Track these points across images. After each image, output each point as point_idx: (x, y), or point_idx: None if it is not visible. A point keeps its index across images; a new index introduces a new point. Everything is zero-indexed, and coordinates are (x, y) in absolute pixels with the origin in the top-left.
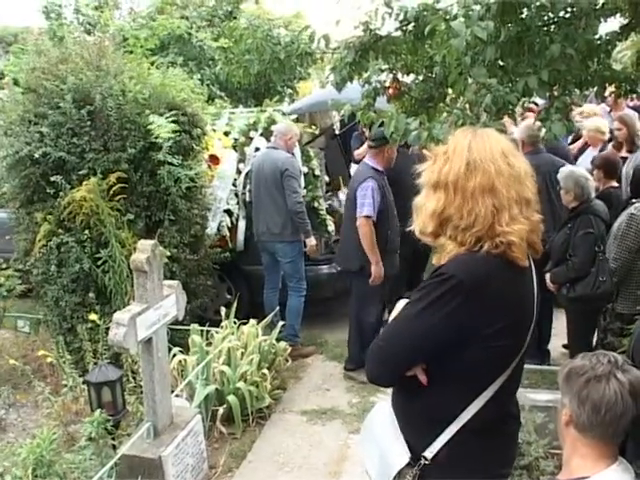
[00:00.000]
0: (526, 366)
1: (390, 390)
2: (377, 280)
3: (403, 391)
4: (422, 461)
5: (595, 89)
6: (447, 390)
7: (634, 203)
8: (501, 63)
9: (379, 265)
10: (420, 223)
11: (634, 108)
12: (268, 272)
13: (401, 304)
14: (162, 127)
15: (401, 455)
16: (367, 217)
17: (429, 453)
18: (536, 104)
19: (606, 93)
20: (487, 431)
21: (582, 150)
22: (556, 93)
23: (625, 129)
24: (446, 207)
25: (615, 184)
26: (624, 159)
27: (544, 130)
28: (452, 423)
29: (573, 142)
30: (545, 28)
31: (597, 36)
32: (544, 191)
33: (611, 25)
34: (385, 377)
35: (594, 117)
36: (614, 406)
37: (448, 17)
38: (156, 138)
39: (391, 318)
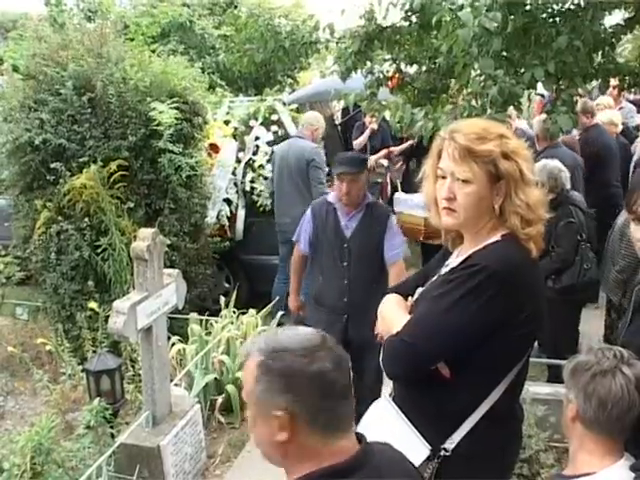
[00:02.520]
0: (533, 360)
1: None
2: (292, 311)
3: (420, 385)
4: (442, 453)
5: (599, 82)
6: (469, 381)
7: None
8: (507, 54)
9: (292, 296)
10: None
11: (633, 102)
12: (284, 264)
13: (391, 297)
14: (164, 113)
15: (419, 450)
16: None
17: (449, 444)
18: (542, 96)
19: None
20: (503, 419)
21: None
22: (562, 86)
23: None
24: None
25: None
26: None
27: (550, 123)
28: (473, 413)
29: None
30: (551, 20)
31: (602, 29)
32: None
33: (615, 18)
34: (413, 375)
35: (607, 110)
36: (621, 401)
37: (453, 7)
38: (158, 125)
39: (385, 311)
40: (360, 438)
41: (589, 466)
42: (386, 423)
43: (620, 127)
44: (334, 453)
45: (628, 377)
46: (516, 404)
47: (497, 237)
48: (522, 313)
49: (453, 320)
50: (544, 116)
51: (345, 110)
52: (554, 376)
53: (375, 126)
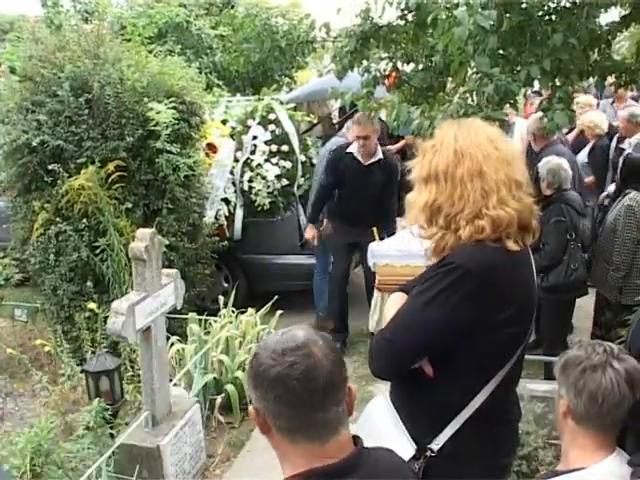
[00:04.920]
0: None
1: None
2: None
3: (407, 383)
4: (428, 453)
5: (595, 79)
6: (454, 381)
7: (627, 194)
8: (503, 52)
9: None
10: (411, 217)
11: (635, 99)
12: (316, 257)
13: (395, 296)
14: (161, 114)
15: (405, 449)
16: None
17: (435, 445)
18: (540, 93)
19: (606, 83)
20: (492, 420)
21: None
22: (558, 83)
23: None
24: (437, 197)
25: None
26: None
27: (546, 120)
28: (459, 414)
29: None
30: (547, 17)
31: (598, 26)
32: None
33: (611, 15)
34: (393, 372)
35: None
36: (611, 395)
37: (449, 6)
38: (155, 125)
39: (387, 310)
40: (356, 441)
41: (581, 461)
42: (379, 421)
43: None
44: (312, 456)
45: (618, 371)
46: (510, 405)
47: (468, 234)
48: (501, 313)
49: (427, 317)
50: (540, 114)
51: (342, 109)
52: (549, 373)
53: None
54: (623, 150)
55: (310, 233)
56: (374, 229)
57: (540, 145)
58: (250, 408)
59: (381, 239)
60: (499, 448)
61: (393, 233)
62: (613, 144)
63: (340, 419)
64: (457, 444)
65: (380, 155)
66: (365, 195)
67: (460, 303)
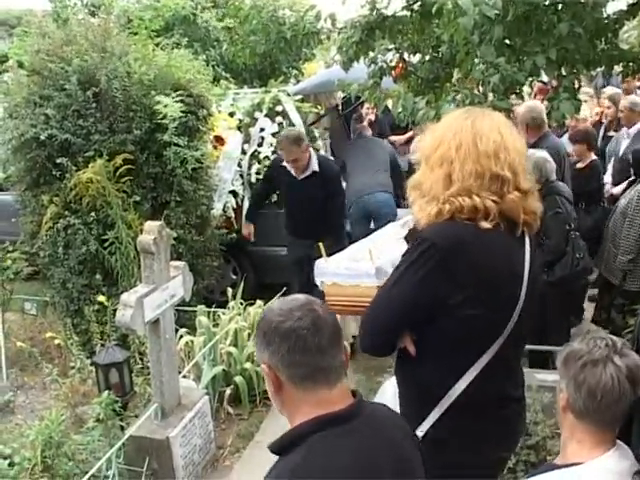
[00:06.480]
0: (530, 347)
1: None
2: None
3: (399, 367)
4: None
5: (602, 68)
6: (431, 366)
7: None
8: (509, 42)
9: None
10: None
11: None
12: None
13: None
14: (169, 106)
15: None
16: None
17: (420, 432)
18: (544, 83)
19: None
20: (476, 412)
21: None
22: (564, 72)
23: (613, 108)
24: (418, 177)
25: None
26: (610, 137)
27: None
28: (440, 402)
29: None
30: (553, 6)
31: (605, 15)
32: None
33: (618, 4)
34: (373, 346)
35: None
36: (610, 391)
37: None
38: (163, 118)
39: None
40: (355, 394)
41: (578, 456)
42: (385, 399)
43: None
44: (321, 403)
45: (619, 367)
46: (498, 396)
47: (435, 213)
48: (470, 289)
49: (398, 291)
50: (530, 103)
51: (348, 101)
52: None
53: (372, 117)
54: (611, 138)
55: (245, 230)
56: (320, 244)
57: (532, 137)
58: (262, 366)
59: (328, 255)
60: (486, 441)
61: (342, 248)
62: (600, 132)
63: (342, 366)
64: (439, 433)
65: (315, 167)
66: (304, 209)
67: (426, 275)
